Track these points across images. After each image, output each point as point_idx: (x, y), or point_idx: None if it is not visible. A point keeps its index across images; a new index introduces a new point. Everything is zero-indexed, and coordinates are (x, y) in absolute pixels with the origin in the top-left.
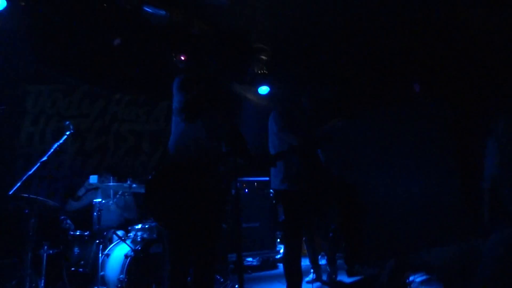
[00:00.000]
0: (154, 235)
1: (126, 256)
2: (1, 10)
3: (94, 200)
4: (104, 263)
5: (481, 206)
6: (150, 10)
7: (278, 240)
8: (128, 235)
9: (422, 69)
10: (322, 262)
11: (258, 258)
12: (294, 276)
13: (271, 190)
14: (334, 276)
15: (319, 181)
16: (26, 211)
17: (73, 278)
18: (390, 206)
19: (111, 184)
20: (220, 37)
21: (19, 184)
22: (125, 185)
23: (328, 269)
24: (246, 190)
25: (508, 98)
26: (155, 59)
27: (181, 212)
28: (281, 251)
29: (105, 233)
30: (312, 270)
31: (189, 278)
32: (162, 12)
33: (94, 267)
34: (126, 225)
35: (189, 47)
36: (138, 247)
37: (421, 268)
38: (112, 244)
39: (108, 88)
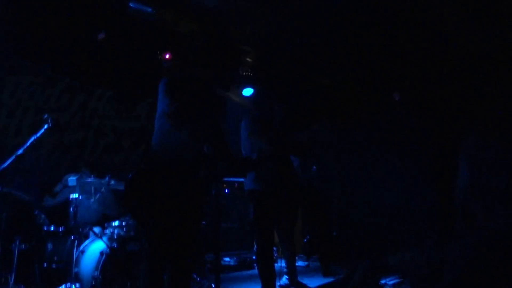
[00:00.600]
0: (132, 233)
1: (101, 253)
2: None
3: (71, 196)
4: (78, 259)
5: (453, 214)
6: (136, 6)
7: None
8: (105, 232)
9: (402, 79)
10: (300, 263)
11: (235, 258)
12: (266, 275)
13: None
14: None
15: (289, 184)
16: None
17: (46, 274)
18: (366, 209)
19: (89, 180)
20: (207, 37)
21: None
22: (103, 181)
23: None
24: (227, 190)
25: (479, 114)
26: (139, 56)
27: (160, 211)
28: None
29: (80, 229)
30: (286, 275)
31: (164, 277)
32: (149, 9)
33: (68, 264)
34: (103, 222)
35: (175, 46)
36: (114, 245)
37: (394, 271)
38: (88, 241)
39: (89, 83)
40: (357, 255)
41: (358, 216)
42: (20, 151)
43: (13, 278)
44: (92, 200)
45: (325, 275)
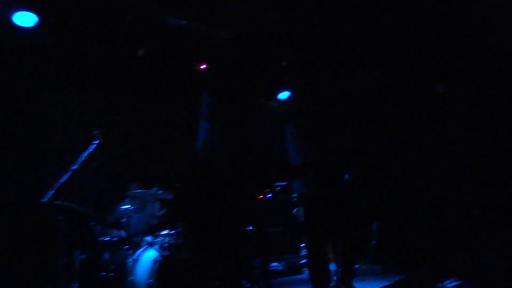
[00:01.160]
0: (182, 240)
1: (154, 261)
2: (33, 25)
3: (122, 207)
4: (133, 268)
5: None
6: (172, 21)
7: (303, 245)
8: (156, 240)
9: (446, 70)
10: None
11: (283, 263)
12: (317, 280)
13: (295, 195)
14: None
15: (338, 188)
16: (58, 217)
17: (104, 282)
18: (425, 210)
19: (138, 191)
20: (241, 45)
21: (52, 192)
22: (151, 191)
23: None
24: (270, 195)
25: None
26: (178, 68)
27: (208, 218)
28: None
29: (133, 238)
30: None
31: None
32: (184, 22)
33: (123, 272)
34: (153, 231)
35: (211, 56)
36: (166, 253)
37: (454, 273)
38: (141, 250)
39: (134, 97)
40: (416, 258)
41: (417, 217)
42: (75, 166)
43: (76, 287)
44: (142, 210)
45: (383, 277)
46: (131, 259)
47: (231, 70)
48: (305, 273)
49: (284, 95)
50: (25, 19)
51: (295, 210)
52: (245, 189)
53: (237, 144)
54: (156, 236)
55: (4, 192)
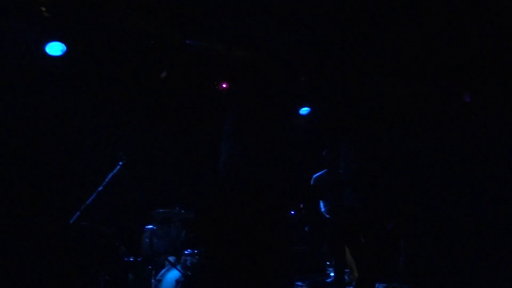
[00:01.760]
0: (205, 260)
1: (177, 281)
2: (62, 54)
3: (146, 227)
4: None
5: None
6: (192, 42)
7: (328, 263)
8: (179, 260)
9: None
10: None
11: (307, 281)
12: None
13: (323, 209)
14: None
15: (366, 206)
16: (85, 238)
17: None
18: (462, 224)
19: (161, 211)
20: (261, 62)
21: (79, 213)
22: (174, 211)
23: None
24: (292, 212)
25: None
26: (199, 88)
27: (231, 237)
28: (331, 274)
29: (156, 258)
30: None
31: None
32: (203, 44)
33: None
34: (176, 251)
35: (231, 75)
36: (189, 272)
37: None
38: (164, 270)
39: (157, 118)
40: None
41: (452, 231)
42: (100, 188)
43: None
44: (165, 229)
45: None
46: (154, 279)
47: (252, 88)
48: None
49: (304, 110)
50: (54, 48)
51: (306, 227)
52: (268, 207)
53: (260, 163)
54: (179, 256)
55: (31, 214)
